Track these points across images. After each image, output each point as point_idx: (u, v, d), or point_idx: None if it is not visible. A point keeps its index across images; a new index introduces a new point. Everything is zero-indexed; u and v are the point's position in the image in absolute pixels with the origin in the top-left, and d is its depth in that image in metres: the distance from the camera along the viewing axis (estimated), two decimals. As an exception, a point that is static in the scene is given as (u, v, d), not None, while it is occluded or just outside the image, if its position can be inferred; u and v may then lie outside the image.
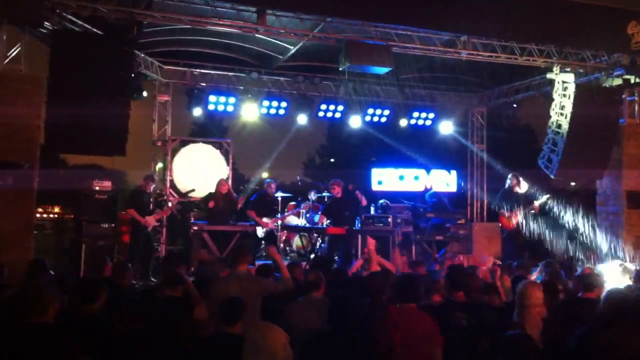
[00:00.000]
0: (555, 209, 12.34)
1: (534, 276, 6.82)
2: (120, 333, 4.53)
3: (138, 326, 4.61)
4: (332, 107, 13.38)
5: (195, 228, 10.76)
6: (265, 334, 3.78)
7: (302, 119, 13.47)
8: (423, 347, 4.54)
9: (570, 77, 11.04)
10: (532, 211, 11.66)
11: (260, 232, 11.38)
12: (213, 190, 11.21)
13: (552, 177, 11.24)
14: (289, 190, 13.85)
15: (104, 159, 12.70)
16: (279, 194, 12.59)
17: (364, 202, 11.44)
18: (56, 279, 6.67)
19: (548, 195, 11.80)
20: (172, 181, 12.83)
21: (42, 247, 10.50)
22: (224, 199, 11.06)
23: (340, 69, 10.08)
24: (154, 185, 11.23)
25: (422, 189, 13.82)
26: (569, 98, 10.92)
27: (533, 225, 11.86)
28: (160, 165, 13.33)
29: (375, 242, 11.00)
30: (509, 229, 11.88)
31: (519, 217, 11.67)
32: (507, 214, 11.90)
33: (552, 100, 11.22)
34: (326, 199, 12.45)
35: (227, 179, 12.68)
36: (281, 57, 11.89)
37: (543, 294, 4.44)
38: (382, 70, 10.10)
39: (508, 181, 12.09)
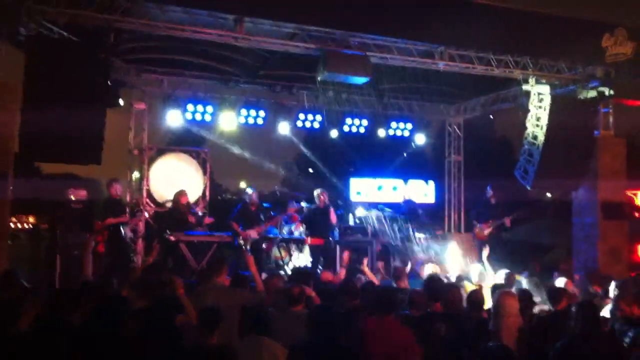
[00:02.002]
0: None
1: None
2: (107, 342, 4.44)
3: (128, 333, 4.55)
4: (310, 116, 13.39)
5: (172, 238, 10.66)
6: (266, 349, 3.67)
7: (280, 129, 13.44)
8: (401, 358, 4.53)
9: (545, 89, 11.16)
10: (503, 225, 11.89)
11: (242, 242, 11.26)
12: (174, 203, 11.19)
13: (528, 187, 11.33)
14: (267, 201, 13.80)
15: (79, 168, 12.53)
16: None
17: (334, 219, 11.44)
18: (30, 289, 6.57)
19: (519, 212, 12.01)
20: (148, 190, 12.72)
21: (17, 257, 10.32)
22: (185, 209, 11.06)
23: (319, 79, 10.08)
24: (119, 189, 11.11)
25: (400, 199, 13.87)
26: (544, 109, 11.02)
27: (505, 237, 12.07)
28: (136, 174, 13.21)
29: (349, 253, 11.07)
30: (481, 239, 12.04)
31: (491, 229, 11.88)
32: (479, 226, 12.10)
33: (528, 111, 11.33)
34: (304, 210, 12.42)
35: (205, 188, 12.61)
36: (259, 65, 11.86)
37: (518, 303, 4.45)
38: (360, 80, 10.12)
39: (487, 192, 12.27)
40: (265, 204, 12.74)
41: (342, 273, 8.45)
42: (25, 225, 13.39)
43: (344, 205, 13.40)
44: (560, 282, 7.60)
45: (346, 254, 11.14)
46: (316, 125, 13.53)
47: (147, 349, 4.53)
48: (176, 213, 11.16)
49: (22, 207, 11.85)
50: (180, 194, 11.34)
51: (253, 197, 11.62)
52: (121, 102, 11.71)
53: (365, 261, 7.59)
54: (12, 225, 10.85)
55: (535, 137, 11.13)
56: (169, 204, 12.02)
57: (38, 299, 5.67)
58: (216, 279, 6.03)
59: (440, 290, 5.70)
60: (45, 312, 5.10)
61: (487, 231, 12.04)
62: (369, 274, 7.85)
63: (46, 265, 10.03)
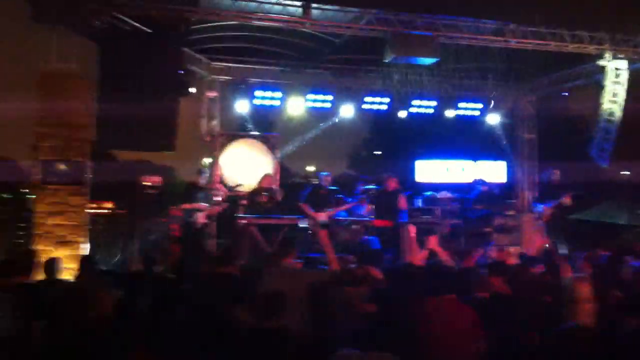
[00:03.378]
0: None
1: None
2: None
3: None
4: (377, 99, 13.35)
5: (243, 222, 10.87)
6: None
7: (347, 112, 13.46)
8: (462, 340, 4.49)
9: (623, 64, 10.74)
10: (564, 204, 11.50)
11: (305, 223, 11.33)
12: (257, 185, 11.34)
13: (605, 165, 10.97)
14: (335, 184, 13.86)
15: (153, 155, 12.93)
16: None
17: (404, 204, 11.33)
18: (108, 273, 6.85)
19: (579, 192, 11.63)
20: (220, 176, 12.99)
21: (96, 241, 10.77)
22: (267, 193, 11.20)
23: (386, 61, 10.02)
24: (205, 180, 11.41)
25: (469, 180, 13.65)
26: (622, 85, 10.62)
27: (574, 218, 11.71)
28: (208, 160, 13.51)
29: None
30: (544, 221, 11.75)
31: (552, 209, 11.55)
32: (541, 207, 11.81)
33: (604, 87, 10.93)
34: (372, 192, 12.40)
35: (275, 173, 12.77)
36: (326, 50, 11.88)
37: (592, 287, 4.35)
38: (428, 61, 10.02)
39: (550, 173, 11.96)
40: (333, 187, 12.81)
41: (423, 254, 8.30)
42: (104, 211, 13.91)
43: (411, 187, 13.32)
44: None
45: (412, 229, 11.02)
46: (383, 107, 13.47)
47: (206, 332, 4.68)
48: (255, 196, 11.35)
49: (100, 193, 12.31)
50: (265, 177, 11.51)
51: (326, 181, 11.68)
52: (193, 90, 11.98)
53: (434, 240, 7.46)
54: (91, 210, 11.30)
55: (611, 114, 10.76)
56: (240, 189, 12.23)
57: (116, 282, 5.92)
58: (284, 261, 6.12)
59: (507, 272, 5.61)
60: (123, 296, 5.32)
61: (549, 212, 11.71)
62: (441, 252, 7.75)
63: (124, 249, 10.44)
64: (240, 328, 4.80)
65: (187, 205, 10.92)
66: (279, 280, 5.58)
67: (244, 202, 11.71)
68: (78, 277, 6.21)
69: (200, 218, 10.77)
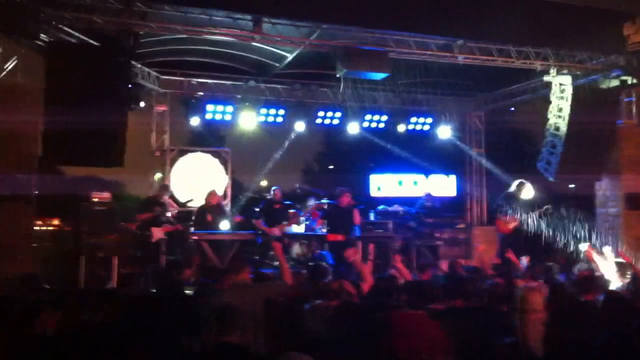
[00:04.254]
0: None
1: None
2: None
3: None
4: (329, 113, 13.42)
5: (195, 237, 10.74)
6: None
7: (300, 126, 13.49)
8: (429, 353, 4.51)
9: (567, 80, 11.04)
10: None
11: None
12: (204, 203, 11.27)
13: (551, 179, 11.23)
14: (288, 198, 13.82)
15: (102, 170, 12.65)
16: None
17: (358, 220, 11.36)
18: (53, 291, 6.65)
19: (548, 206, 11.79)
20: (171, 191, 12.81)
21: (42, 259, 10.45)
22: (214, 210, 11.12)
23: (338, 76, 10.08)
24: (167, 197, 11.33)
25: (421, 194, 13.82)
26: (566, 100, 10.92)
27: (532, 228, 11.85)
28: (159, 175, 13.32)
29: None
30: (505, 232, 11.86)
31: (516, 222, 11.67)
32: (505, 218, 11.88)
33: (550, 102, 11.21)
34: (326, 207, 12.42)
35: (226, 187, 12.67)
36: (278, 64, 11.89)
37: (542, 298, 4.41)
38: (380, 76, 10.11)
39: (513, 186, 12.10)
40: (287, 202, 12.76)
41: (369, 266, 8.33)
42: (50, 227, 13.51)
43: (365, 201, 13.38)
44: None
45: (371, 247, 11.10)
46: (335, 122, 13.55)
47: (167, 346, 4.58)
48: (203, 212, 11.26)
49: (46, 209, 11.97)
50: (211, 194, 11.45)
51: (276, 195, 11.64)
52: (142, 104, 11.80)
53: (399, 257, 7.50)
54: (36, 227, 10.98)
55: (557, 128, 11.03)
56: (191, 204, 12.10)
57: (61, 301, 5.74)
58: (236, 277, 6.04)
59: (461, 284, 5.67)
60: (70, 314, 5.16)
61: (512, 225, 11.88)
62: (403, 269, 7.79)
63: (70, 266, 10.14)
64: (192, 345, 4.72)
65: (142, 216, 10.75)
66: (234, 296, 5.50)
67: (194, 218, 11.60)
68: (21, 295, 5.99)
69: (157, 233, 10.57)
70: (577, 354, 3.81)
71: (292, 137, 13.88)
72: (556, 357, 3.80)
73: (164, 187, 11.72)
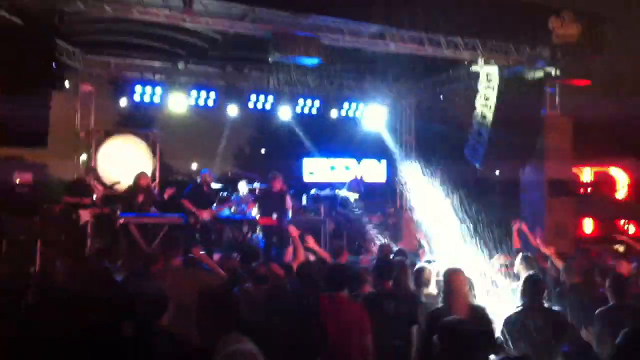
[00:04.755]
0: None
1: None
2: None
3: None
4: (262, 97, 13.33)
5: (122, 221, 10.51)
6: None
7: (231, 110, 13.34)
8: (354, 335, 4.60)
9: (494, 70, 11.35)
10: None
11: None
12: (133, 183, 11.02)
13: (477, 166, 11.56)
14: (220, 182, 13.72)
15: (24, 151, 12.22)
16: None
17: (289, 205, 11.38)
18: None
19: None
20: (96, 173, 12.48)
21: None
22: (144, 192, 10.91)
23: (270, 60, 10.02)
24: (93, 179, 11.00)
25: (352, 178, 13.96)
26: (493, 89, 11.23)
27: None
28: (84, 157, 12.95)
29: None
30: None
31: None
32: None
33: (477, 91, 11.51)
34: (257, 191, 12.40)
35: (154, 170, 12.44)
36: (208, 46, 11.71)
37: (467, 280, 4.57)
38: (312, 61, 10.10)
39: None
40: (217, 186, 12.66)
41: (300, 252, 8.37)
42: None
43: (297, 186, 13.44)
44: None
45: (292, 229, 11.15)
46: (268, 106, 13.47)
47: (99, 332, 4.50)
48: (132, 195, 11.01)
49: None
50: (141, 175, 11.17)
51: (206, 178, 11.49)
52: (67, 84, 11.42)
53: (311, 238, 7.56)
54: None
55: (484, 117, 11.34)
56: (118, 187, 11.83)
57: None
58: (171, 261, 5.97)
59: (390, 268, 5.78)
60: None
61: None
62: (320, 250, 7.86)
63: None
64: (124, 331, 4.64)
65: (69, 199, 10.42)
66: (169, 280, 5.44)
67: (122, 200, 11.33)
68: None
69: (84, 216, 10.28)
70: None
71: (225, 121, 13.74)
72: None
73: (91, 169, 11.40)
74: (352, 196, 12.78)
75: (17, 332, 4.26)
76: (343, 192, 13.06)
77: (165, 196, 11.29)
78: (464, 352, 3.44)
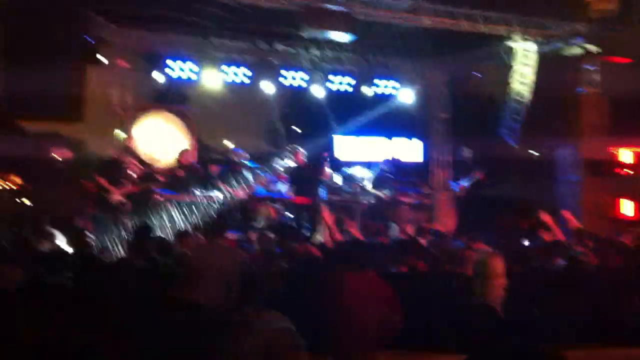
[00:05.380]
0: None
1: None
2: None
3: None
4: (294, 74, 13.26)
5: (160, 199, 10.62)
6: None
7: (264, 87, 13.30)
8: (380, 314, 4.61)
9: (531, 46, 11.13)
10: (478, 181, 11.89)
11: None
12: (176, 160, 11.11)
13: (514, 145, 11.40)
14: (254, 159, 13.72)
15: (62, 127, 12.39)
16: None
17: (327, 175, 11.38)
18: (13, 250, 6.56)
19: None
20: (133, 150, 12.60)
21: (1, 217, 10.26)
22: (185, 169, 10.98)
23: (303, 35, 9.96)
24: (129, 158, 11.08)
25: (385, 157, 13.86)
26: (530, 67, 11.02)
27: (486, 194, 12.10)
28: (120, 133, 13.07)
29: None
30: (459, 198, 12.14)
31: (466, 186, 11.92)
32: (454, 184, 12.18)
33: (514, 69, 11.30)
34: (290, 168, 12.40)
35: (189, 149, 12.52)
36: (240, 20, 11.63)
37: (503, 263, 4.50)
38: (345, 37, 10.03)
39: (462, 151, 12.34)
40: (251, 163, 12.67)
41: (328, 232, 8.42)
42: (10, 185, 13.25)
43: (330, 164, 13.38)
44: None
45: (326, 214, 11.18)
46: (301, 83, 13.41)
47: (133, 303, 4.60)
48: (173, 172, 11.13)
49: (5, 167, 11.73)
50: (183, 153, 11.28)
51: (240, 157, 11.53)
52: (103, 60, 11.48)
53: (348, 222, 7.60)
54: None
55: (520, 95, 11.16)
56: (157, 164, 11.95)
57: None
58: (218, 238, 6.04)
59: (422, 249, 5.77)
60: (30, 274, 5.12)
61: (462, 188, 12.08)
62: (356, 232, 7.87)
63: (33, 225, 9.97)
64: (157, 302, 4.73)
65: (101, 180, 10.50)
66: (215, 257, 5.51)
67: (162, 178, 11.44)
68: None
69: (116, 195, 10.36)
70: (537, 319, 3.92)
71: (258, 98, 13.72)
72: (516, 322, 3.89)
73: (126, 147, 11.42)
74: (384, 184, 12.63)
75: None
76: (375, 173, 12.95)
77: (211, 169, 11.41)
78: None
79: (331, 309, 4.60)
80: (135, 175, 11.19)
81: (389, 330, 4.59)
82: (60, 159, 10.27)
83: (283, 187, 11.98)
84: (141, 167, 11.88)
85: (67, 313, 4.25)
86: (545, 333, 4.46)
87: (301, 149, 11.58)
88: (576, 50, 11.30)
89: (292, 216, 11.55)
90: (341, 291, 4.65)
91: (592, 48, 11.15)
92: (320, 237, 9.58)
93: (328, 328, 4.51)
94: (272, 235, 7.62)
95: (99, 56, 11.13)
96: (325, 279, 5.00)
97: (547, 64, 11.05)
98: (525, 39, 11.08)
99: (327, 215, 7.20)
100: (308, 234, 10.33)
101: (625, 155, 13.46)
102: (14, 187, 12.75)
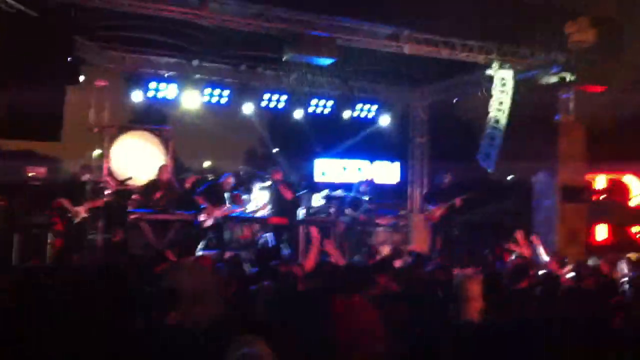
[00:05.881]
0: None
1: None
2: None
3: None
4: (275, 97, 13.28)
5: (134, 217, 10.54)
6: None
7: (245, 109, 13.32)
8: (365, 340, 4.57)
9: (508, 74, 11.30)
10: (454, 206, 11.99)
11: (208, 221, 11.07)
12: (154, 178, 11.05)
13: (489, 171, 11.52)
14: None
15: (39, 146, 12.28)
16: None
17: (288, 195, 11.40)
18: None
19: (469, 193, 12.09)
20: (109, 169, 12.53)
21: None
22: (166, 187, 10.91)
23: (284, 59, 10.02)
24: (88, 175, 10.93)
25: (363, 179, 13.90)
26: (507, 94, 11.19)
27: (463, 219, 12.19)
28: (97, 152, 13.00)
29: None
30: (432, 221, 12.21)
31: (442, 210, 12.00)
32: (430, 208, 12.26)
33: (491, 96, 11.46)
34: (268, 190, 12.41)
35: (167, 165, 12.47)
36: (223, 44, 11.71)
37: (480, 286, 4.52)
38: (326, 61, 10.13)
39: (441, 176, 12.45)
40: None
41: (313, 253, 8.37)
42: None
43: (309, 186, 13.41)
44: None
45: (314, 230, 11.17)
46: (281, 105, 13.44)
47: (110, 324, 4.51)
48: (150, 190, 11.06)
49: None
50: (162, 170, 11.24)
51: (227, 183, 11.49)
52: (81, 79, 11.43)
53: (329, 242, 7.55)
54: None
55: (497, 121, 11.30)
56: (131, 182, 11.87)
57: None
58: (180, 259, 5.99)
59: (393, 270, 5.77)
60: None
61: (438, 213, 12.15)
62: (336, 254, 7.84)
63: (3, 244, 9.82)
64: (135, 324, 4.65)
65: (64, 201, 10.36)
66: (177, 276, 5.44)
67: (136, 196, 11.37)
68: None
69: (80, 212, 10.22)
70: (511, 341, 3.92)
71: (237, 119, 13.74)
72: (491, 344, 3.90)
73: (85, 166, 11.25)
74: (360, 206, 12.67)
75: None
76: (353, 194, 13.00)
77: (187, 185, 11.33)
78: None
79: (317, 333, 4.53)
80: (109, 193, 11.09)
81: (374, 355, 4.55)
82: (36, 177, 10.15)
83: (260, 208, 11.96)
84: (116, 184, 11.80)
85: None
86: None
87: (279, 170, 11.60)
88: (552, 79, 11.51)
89: (269, 236, 11.52)
90: (328, 315, 4.60)
91: (568, 77, 11.35)
92: (300, 257, 9.55)
93: (312, 352, 4.45)
94: (245, 255, 7.59)
95: (79, 77, 11.11)
96: (311, 302, 4.95)
97: (524, 92, 11.23)
98: (503, 67, 11.25)
99: (315, 236, 7.15)
100: (287, 254, 10.31)
101: (600, 181, 13.69)
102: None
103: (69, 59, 8.97)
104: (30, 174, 10.04)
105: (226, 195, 11.51)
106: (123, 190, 12.06)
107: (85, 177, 10.70)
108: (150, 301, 4.64)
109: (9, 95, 7.87)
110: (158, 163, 12.33)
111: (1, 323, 4.17)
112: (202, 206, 10.95)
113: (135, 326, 4.68)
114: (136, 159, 12.78)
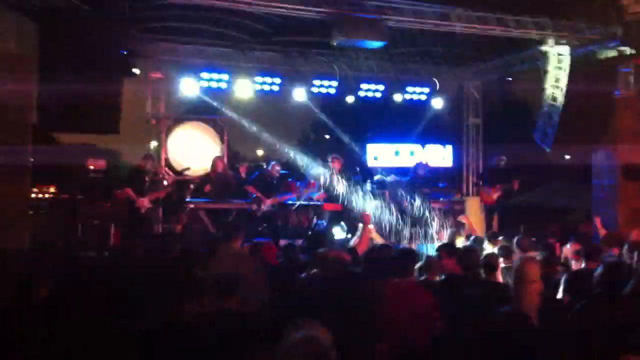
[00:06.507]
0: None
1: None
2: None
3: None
4: (325, 82, 13.30)
5: (192, 206, 10.73)
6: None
7: (296, 95, 13.36)
8: (421, 322, 4.55)
9: (565, 49, 10.96)
10: (512, 189, 11.78)
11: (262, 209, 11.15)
12: (208, 170, 11.23)
13: (547, 150, 11.24)
14: (285, 167, 13.79)
15: (98, 138, 12.63)
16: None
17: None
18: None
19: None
20: (167, 160, 12.77)
21: (38, 227, 10.45)
22: (219, 178, 11.05)
23: (333, 44, 9.98)
24: (151, 164, 11.14)
25: (417, 163, 13.78)
26: (564, 70, 10.86)
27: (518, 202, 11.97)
28: (155, 143, 13.27)
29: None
30: (488, 204, 12.01)
31: (499, 193, 11.81)
32: (487, 190, 12.04)
33: (547, 72, 11.16)
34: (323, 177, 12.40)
35: (222, 156, 12.63)
36: (272, 31, 11.74)
37: (540, 269, 4.43)
38: (376, 44, 10.02)
39: (496, 157, 12.24)
40: (284, 171, 12.73)
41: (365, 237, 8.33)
42: (46, 195, 13.52)
43: (362, 171, 13.38)
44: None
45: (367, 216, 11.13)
46: (332, 91, 13.45)
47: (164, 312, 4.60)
48: (206, 179, 11.26)
49: (42, 178, 11.97)
50: (216, 161, 11.41)
51: (273, 170, 11.55)
52: (137, 71, 11.67)
53: (371, 226, 7.52)
54: (33, 195, 10.97)
55: (554, 99, 10.99)
56: (188, 172, 12.07)
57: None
58: (231, 245, 6.06)
59: (458, 254, 5.70)
60: (64, 281, 5.17)
61: (495, 195, 11.95)
62: (378, 237, 7.82)
63: (67, 235, 10.16)
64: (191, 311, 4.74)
65: (128, 191, 10.58)
66: (229, 263, 5.54)
67: (193, 186, 11.57)
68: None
69: (144, 203, 10.45)
70: (570, 323, 3.85)
71: (289, 106, 13.80)
72: (551, 327, 3.83)
73: (147, 155, 11.43)
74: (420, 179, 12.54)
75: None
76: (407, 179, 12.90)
77: (242, 174, 11.46)
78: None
79: (371, 317, 4.53)
80: (165, 183, 11.32)
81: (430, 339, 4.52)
82: (96, 169, 10.45)
83: (314, 194, 11.98)
84: (173, 175, 12.04)
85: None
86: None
87: (339, 158, 11.57)
88: (610, 53, 11.13)
89: (324, 223, 11.56)
90: (382, 299, 4.59)
91: (626, 50, 10.95)
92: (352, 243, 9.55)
93: (368, 338, 4.45)
94: (300, 243, 7.61)
95: (134, 69, 11.34)
96: (364, 286, 4.95)
97: (581, 68, 10.89)
98: (559, 43, 10.93)
99: (368, 222, 7.14)
100: (341, 240, 10.32)
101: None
102: (50, 197, 13.01)
103: (123, 51, 9.14)
104: (91, 167, 10.31)
105: (277, 183, 11.58)
106: (182, 180, 12.30)
107: (149, 165, 10.87)
108: (211, 287, 4.73)
109: (68, 90, 8.06)
110: (214, 153, 12.50)
111: (70, 311, 4.31)
112: (253, 195, 11.05)
113: (200, 310, 4.79)
114: (192, 149, 12.99)
